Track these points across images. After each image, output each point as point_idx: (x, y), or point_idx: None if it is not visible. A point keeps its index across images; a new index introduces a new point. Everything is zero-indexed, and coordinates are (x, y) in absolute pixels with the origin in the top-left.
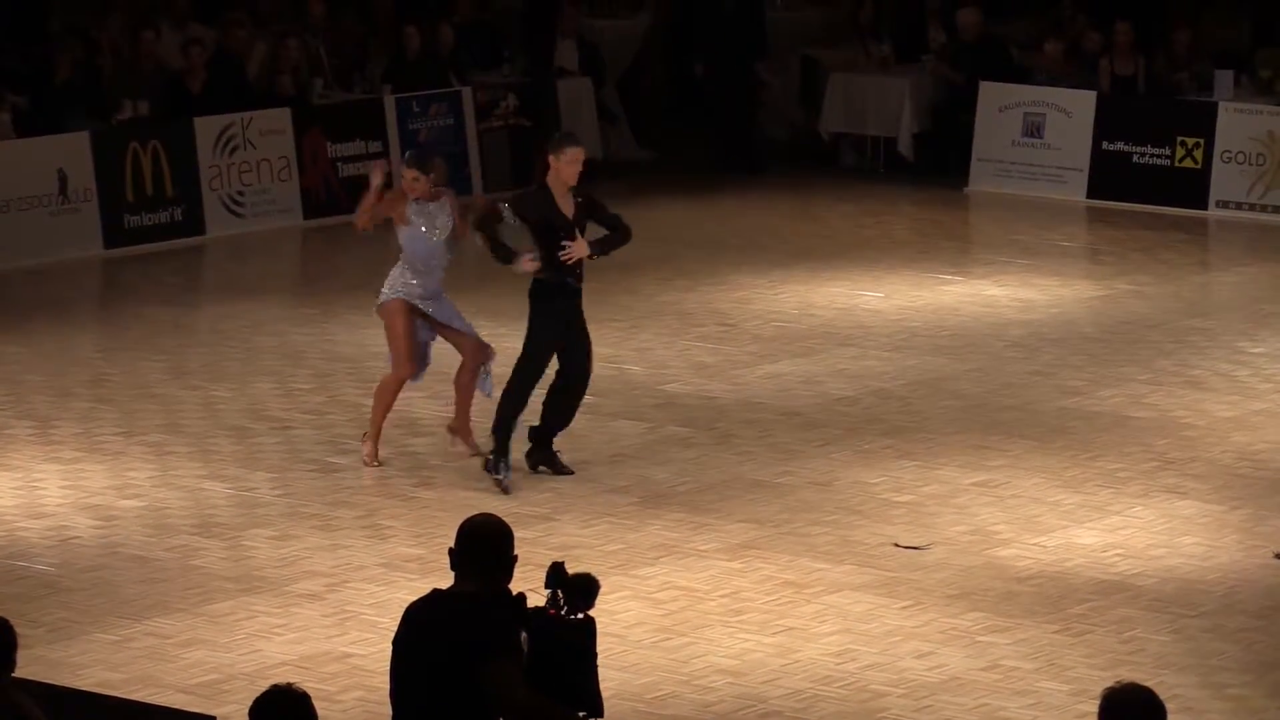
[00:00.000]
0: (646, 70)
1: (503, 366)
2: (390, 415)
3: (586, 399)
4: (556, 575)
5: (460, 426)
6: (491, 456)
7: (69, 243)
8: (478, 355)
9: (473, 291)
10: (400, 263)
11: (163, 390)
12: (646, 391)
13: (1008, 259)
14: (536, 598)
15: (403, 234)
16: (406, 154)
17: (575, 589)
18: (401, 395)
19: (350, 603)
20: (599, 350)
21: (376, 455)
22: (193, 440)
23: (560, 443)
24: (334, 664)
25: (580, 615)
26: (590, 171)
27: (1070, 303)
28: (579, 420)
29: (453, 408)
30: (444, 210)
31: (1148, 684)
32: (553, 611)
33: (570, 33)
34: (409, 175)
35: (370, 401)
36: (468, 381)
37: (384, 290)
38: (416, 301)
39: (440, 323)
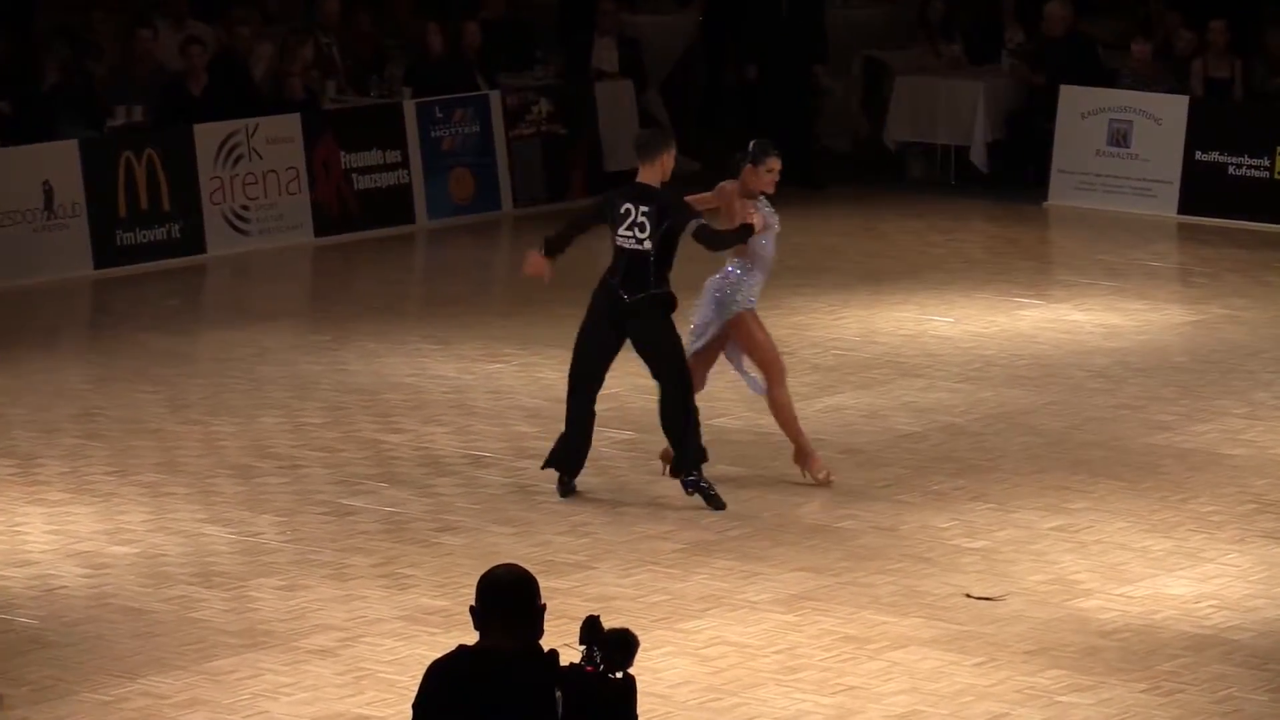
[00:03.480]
0: (693, 73)
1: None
2: (412, 453)
3: (627, 434)
4: (591, 630)
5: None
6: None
7: (55, 262)
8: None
9: (502, 319)
10: (750, 268)
11: (159, 425)
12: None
13: (1091, 280)
14: (570, 653)
15: (765, 236)
16: (756, 144)
17: (612, 645)
18: (421, 430)
19: (366, 660)
20: (643, 382)
21: (822, 466)
22: (192, 480)
23: (596, 482)
24: None
25: (619, 674)
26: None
27: (1160, 329)
28: (618, 458)
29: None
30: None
31: None
32: (590, 669)
33: (609, 30)
34: (773, 166)
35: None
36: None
37: (740, 299)
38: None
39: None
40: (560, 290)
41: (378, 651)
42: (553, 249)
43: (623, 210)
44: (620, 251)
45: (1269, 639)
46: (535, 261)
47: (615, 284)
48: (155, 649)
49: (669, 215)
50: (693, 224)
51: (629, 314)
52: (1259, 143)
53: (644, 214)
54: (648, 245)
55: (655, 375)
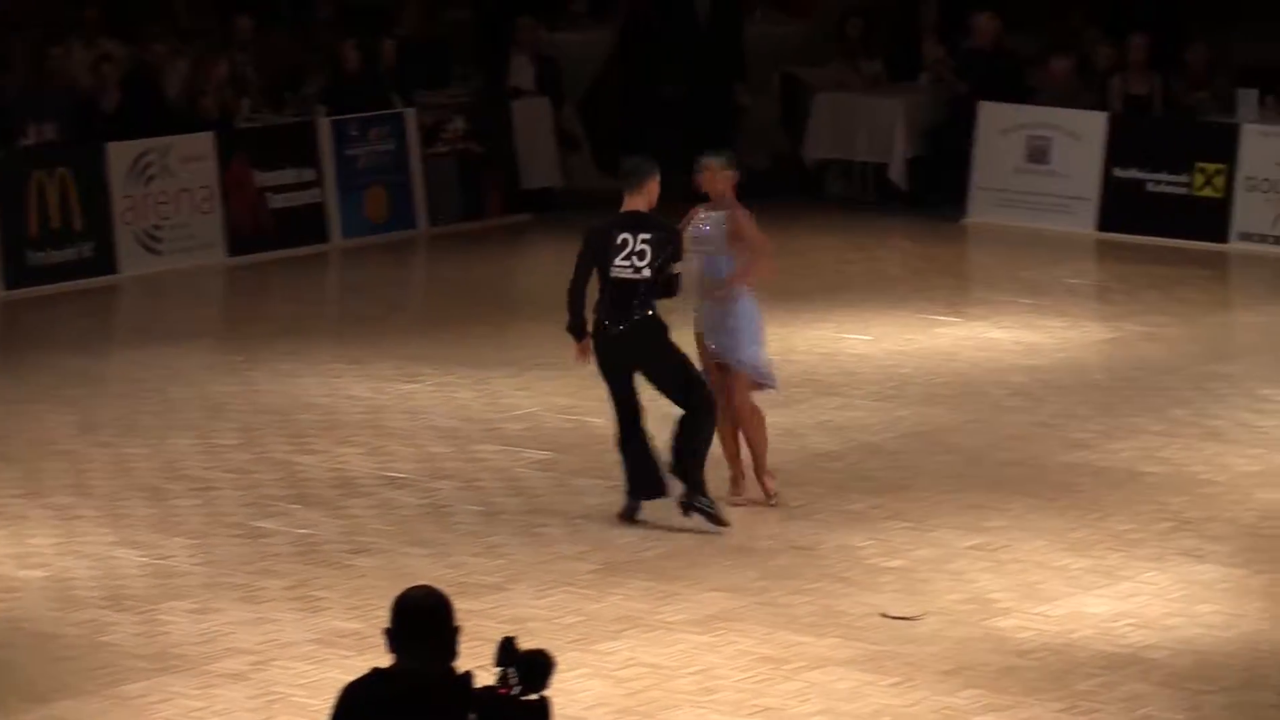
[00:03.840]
0: (610, 90)
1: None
2: (325, 474)
3: (545, 455)
4: (507, 652)
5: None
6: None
7: None
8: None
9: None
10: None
11: (69, 446)
12: (609, 446)
13: (1009, 298)
14: (485, 675)
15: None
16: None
17: (528, 667)
18: (335, 451)
19: (278, 683)
20: (558, 400)
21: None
22: (102, 502)
23: (511, 502)
24: None
25: (534, 696)
26: (548, 202)
27: (1078, 346)
28: (534, 479)
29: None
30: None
31: None
32: (503, 690)
33: (526, 47)
34: (707, 164)
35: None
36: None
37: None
38: None
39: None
40: (474, 309)
41: (290, 675)
42: (581, 329)
43: (619, 241)
44: (610, 283)
45: (1186, 658)
46: (581, 350)
47: (601, 318)
48: (65, 673)
49: (670, 244)
50: (680, 265)
51: (622, 346)
52: (1178, 159)
53: (644, 241)
54: (646, 274)
55: (680, 405)
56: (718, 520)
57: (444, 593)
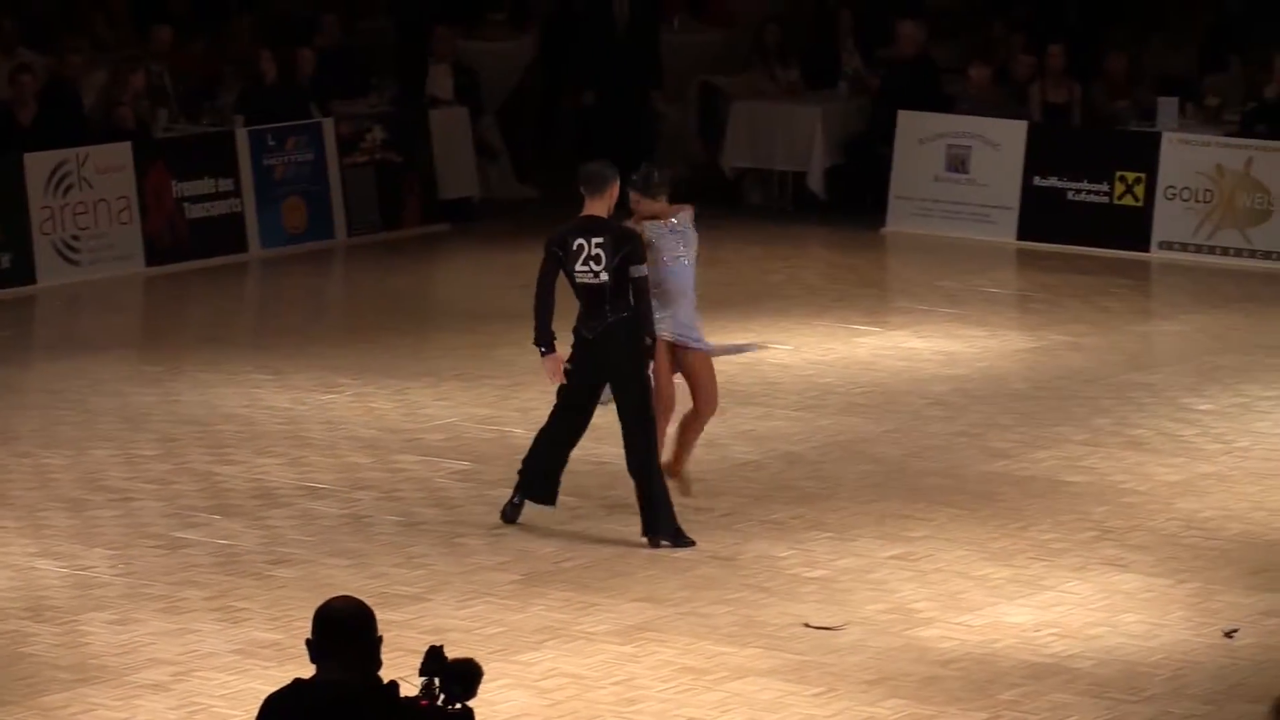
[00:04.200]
0: (529, 100)
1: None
2: (245, 485)
3: (464, 465)
4: (435, 660)
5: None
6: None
7: None
8: None
9: (335, 349)
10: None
11: None
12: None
13: (929, 307)
14: (410, 686)
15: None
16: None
17: (455, 676)
18: (254, 462)
19: (199, 694)
20: (477, 411)
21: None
22: (22, 513)
23: (431, 513)
24: None
25: (458, 705)
26: (466, 212)
27: (998, 355)
28: (454, 489)
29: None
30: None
31: None
32: (425, 702)
33: (445, 57)
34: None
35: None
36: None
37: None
38: None
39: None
40: (393, 319)
41: (211, 685)
42: (548, 338)
43: (575, 247)
44: (577, 290)
45: (1109, 667)
46: (551, 364)
47: (577, 325)
48: None
49: (625, 245)
50: (640, 269)
51: (597, 352)
52: (1098, 168)
53: (598, 245)
54: (604, 277)
55: (620, 418)
56: (684, 540)
57: (366, 603)
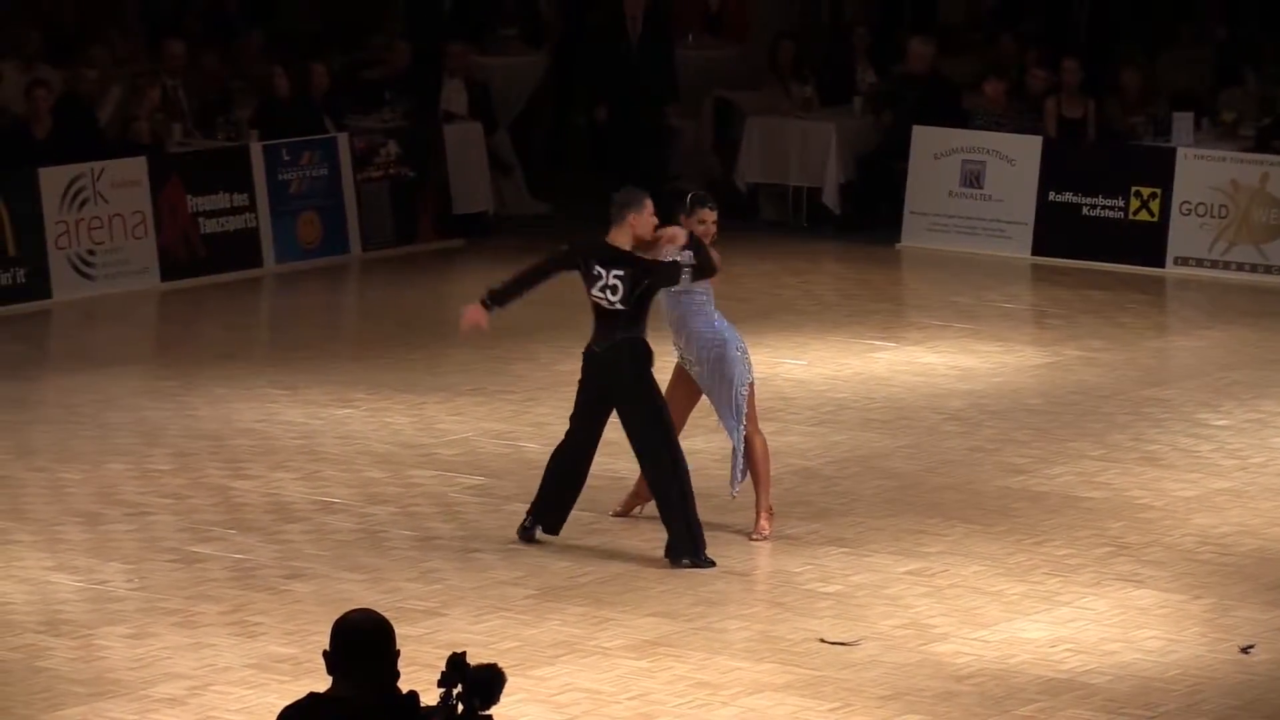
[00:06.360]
0: (542, 115)
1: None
2: (261, 499)
3: (479, 480)
4: (457, 667)
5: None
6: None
7: None
8: None
9: (350, 364)
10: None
11: (4, 472)
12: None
13: (944, 323)
14: (430, 697)
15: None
16: (691, 196)
17: (475, 685)
18: (270, 477)
19: (215, 708)
20: (492, 425)
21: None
22: (38, 528)
23: (446, 528)
24: None
25: (482, 714)
26: (480, 226)
27: (1014, 371)
28: (469, 504)
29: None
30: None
31: None
32: None
33: (458, 72)
34: (705, 217)
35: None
36: None
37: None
38: None
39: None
40: (408, 334)
41: (227, 700)
42: (496, 301)
43: (594, 272)
44: (593, 308)
45: (1125, 683)
46: (473, 312)
47: (591, 340)
48: (3, 699)
49: (648, 277)
50: (680, 272)
51: (603, 367)
52: (1113, 183)
53: (616, 277)
54: (620, 306)
55: (629, 437)
56: (707, 562)
57: (384, 616)
